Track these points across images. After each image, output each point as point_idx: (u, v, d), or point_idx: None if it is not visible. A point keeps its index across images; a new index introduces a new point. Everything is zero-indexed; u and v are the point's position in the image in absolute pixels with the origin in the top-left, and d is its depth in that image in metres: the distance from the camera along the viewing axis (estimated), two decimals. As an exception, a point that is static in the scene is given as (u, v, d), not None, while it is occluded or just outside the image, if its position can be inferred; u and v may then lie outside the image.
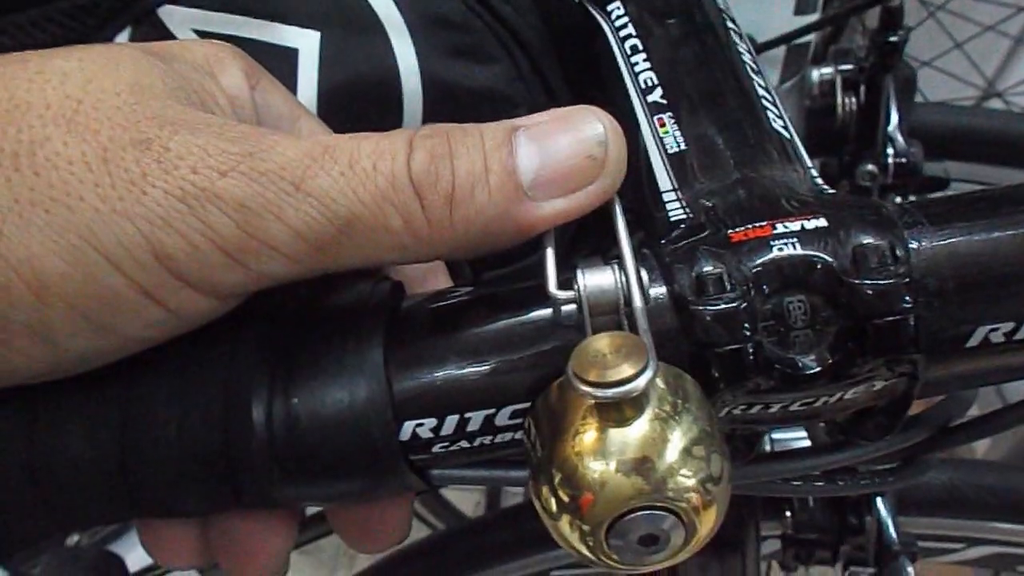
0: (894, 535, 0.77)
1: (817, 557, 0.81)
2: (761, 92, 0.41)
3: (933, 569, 0.87)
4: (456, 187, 0.31)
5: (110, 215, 0.29)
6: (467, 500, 1.98)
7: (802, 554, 0.81)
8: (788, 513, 0.79)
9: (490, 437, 0.33)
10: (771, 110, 0.40)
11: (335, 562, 1.96)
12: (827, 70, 0.88)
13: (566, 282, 0.32)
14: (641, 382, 0.28)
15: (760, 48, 0.81)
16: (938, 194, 0.93)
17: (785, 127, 0.39)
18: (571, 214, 0.33)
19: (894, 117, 0.87)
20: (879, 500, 0.77)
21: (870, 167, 0.87)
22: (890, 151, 0.87)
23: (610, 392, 0.28)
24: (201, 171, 0.30)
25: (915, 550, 0.77)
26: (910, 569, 0.76)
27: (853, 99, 0.86)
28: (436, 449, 0.33)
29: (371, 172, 0.31)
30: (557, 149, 0.32)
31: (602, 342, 0.29)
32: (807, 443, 0.62)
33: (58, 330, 0.30)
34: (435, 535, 0.97)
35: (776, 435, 0.66)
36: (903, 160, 0.87)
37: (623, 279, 0.32)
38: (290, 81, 0.47)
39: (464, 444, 0.33)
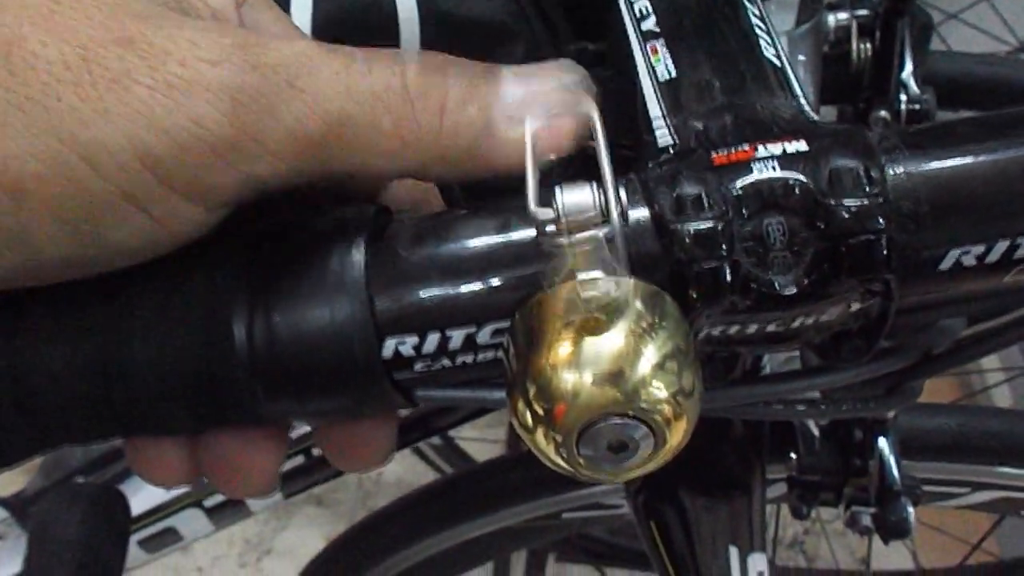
0: (896, 476, 0.77)
1: (821, 498, 0.81)
2: (755, 20, 0.41)
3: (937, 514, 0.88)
4: (448, 99, 0.32)
5: (91, 115, 0.28)
6: (488, 453, 1.99)
7: (807, 495, 0.81)
8: (794, 455, 0.80)
9: (472, 355, 0.34)
10: (763, 38, 0.40)
11: (352, 515, 1.97)
12: (843, 15, 0.87)
13: (548, 202, 0.32)
14: (617, 294, 0.29)
15: (774, -9, 0.81)
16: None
17: (777, 55, 0.39)
18: (551, 137, 0.33)
19: (908, 64, 0.86)
20: (883, 442, 0.78)
21: (883, 113, 0.86)
22: (903, 98, 0.86)
23: (584, 304, 0.29)
24: (190, 63, 0.29)
25: (917, 491, 0.78)
26: (910, 508, 0.76)
27: (868, 45, 0.85)
28: (418, 367, 0.34)
29: (366, 74, 0.31)
30: (541, 81, 0.34)
31: (579, 258, 0.30)
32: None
33: (36, 235, 0.29)
34: (445, 478, 0.98)
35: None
36: (916, 107, 0.86)
37: (602, 197, 0.32)
38: (284, 9, 0.47)
39: (446, 363, 0.34)
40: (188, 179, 0.30)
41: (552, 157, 0.34)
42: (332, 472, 0.89)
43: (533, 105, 0.33)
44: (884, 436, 0.77)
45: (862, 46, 0.87)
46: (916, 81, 0.87)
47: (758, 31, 0.40)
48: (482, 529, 0.90)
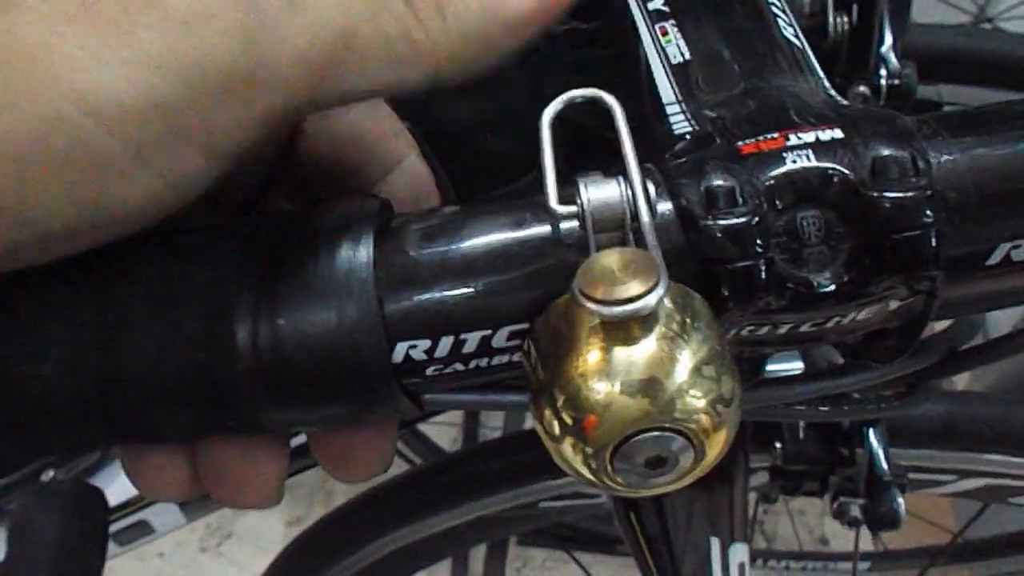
0: (885, 466, 0.77)
1: (805, 488, 0.81)
2: None
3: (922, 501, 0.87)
4: None
5: (91, 64, 0.26)
6: (445, 435, 2.00)
7: (789, 486, 0.80)
8: (778, 444, 0.79)
9: (486, 359, 0.32)
10: (781, 17, 0.38)
11: (312, 498, 1.97)
12: (820, -12, 0.86)
13: (568, 197, 0.30)
14: (651, 300, 0.26)
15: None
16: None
17: (796, 35, 0.38)
18: (551, 2, 0.31)
19: (887, 38, 0.85)
20: (871, 431, 0.77)
21: (862, 88, 0.85)
22: (883, 72, 0.85)
23: (618, 310, 0.27)
24: None
25: (905, 481, 0.77)
26: (900, 500, 0.76)
27: (845, 19, 0.84)
28: (430, 372, 0.32)
29: None
30: None
31: (610, 258, 0.28)
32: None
33: (36, 204, 0.27)
34: (415, 469, 0.97)
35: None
36: (896, 82, 0.86)
37: (629, 192, 0.30)
38: None
39: (459, 367, 0.32)
40: (199, 123, 0.28)
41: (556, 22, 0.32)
42: (306, 464, 0.87)
43: None
44: (872, 425, 0.77)
45: (839, 19, 0.85)
46: (896, 55, 0.86)
47: (774, 9, 0.39)
48: (456, 519, 0.89)
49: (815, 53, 0.87)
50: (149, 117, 0.27)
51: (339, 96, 0.30)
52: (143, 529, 0.94)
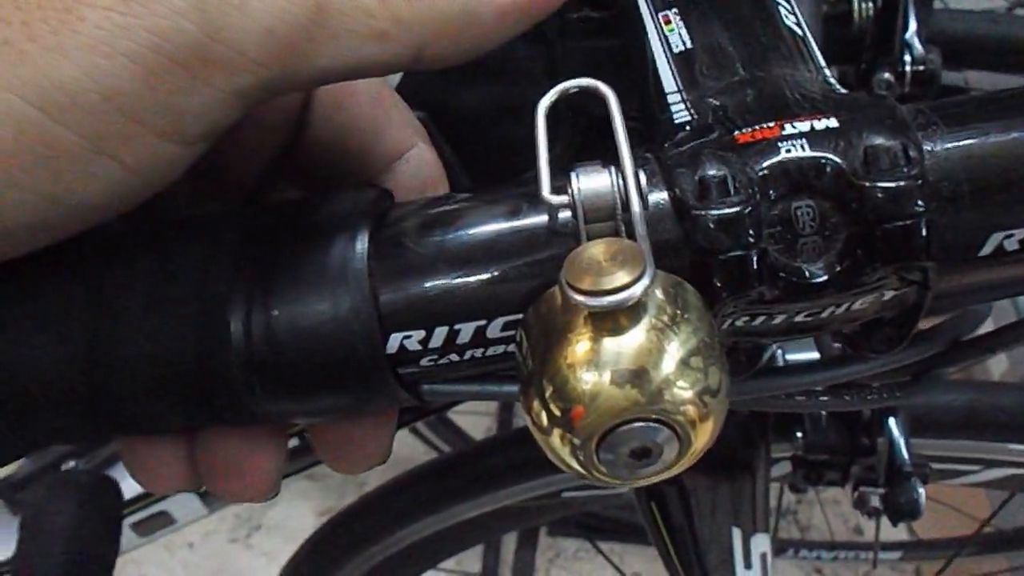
0: (906, 456, 0.76)
1: (827, 478, 0.80)
2: None
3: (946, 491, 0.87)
4: None
5: (43, 56, 0.25)
6: (478, 425, 2.00)
7: (812, 475, 0.80)
8: (799, 434, 0.78)
9: (481, 350, 0.32)
10: (783, 6, 0.38)
11: (343, 488, 1.98)
12: (843, -27, 0.86)
13: (562, 187, 0.30)
14: (637, 290, 0.26)
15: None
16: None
17: (798, 24, 0.38)
18: None
19: (912, 23, 0.84)
20: (891, 420, 0.76)
21: (887, 75, 0.85)
22: (907, 59, 0.85)
23: (605, 301, 0.26)
24: None
25: (927, 471, 0.77)
26: (921, 490, 0.75)
27: (870, 4, 0.84)
28: (425, 362, 0.32)
29: None
30: None
31: (596, 248, 0.28)
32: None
33: None
34: (442, 457, 0.97)
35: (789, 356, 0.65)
36: (921, 68, 0.85)
37: (620, 182, 0.30)
38: None
39: (454, 357, 0.32)
40: (160, 109, 0.26)
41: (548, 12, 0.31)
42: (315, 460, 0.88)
43: None
44: (893, 415, 0.76)
45: (864, 5, 0.85)
46: (920, 41, 0.86)
47: None
48: (480, 509, 0.89)
49: (839, 39, 0.87)
50: (102, 105, 0.26)
51: (316, 73, 0.29)
52: (164, 520, 0.94)
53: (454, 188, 0.41)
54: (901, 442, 0.76)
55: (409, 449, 1.77)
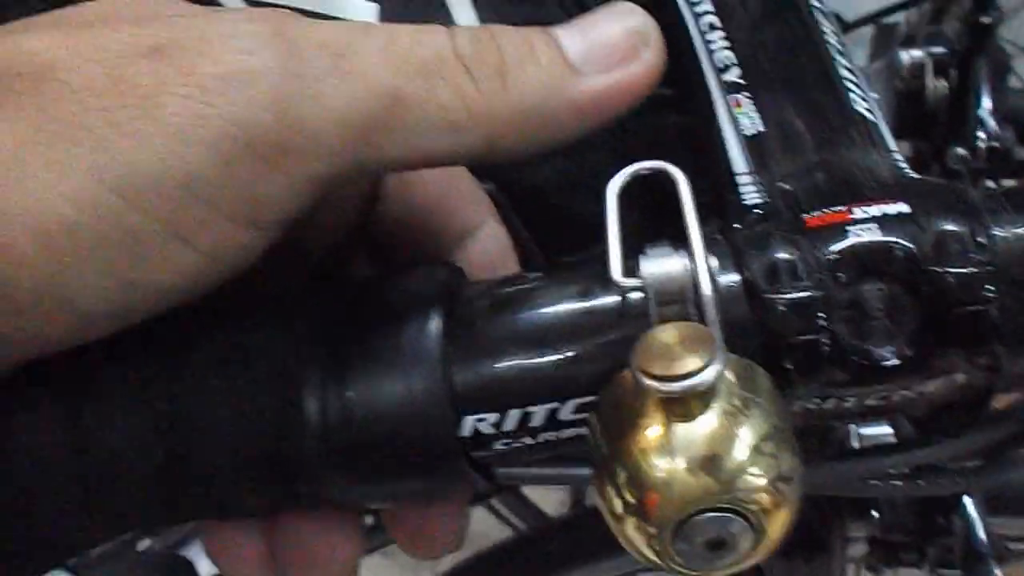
0: (983, 536, 0.74)
1: (904, 559, 0.78)
2: (844, 72, 0.39)
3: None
4: (505, 61, 0.29)
5: (122, 143, 0.25)
6: (549, 498, 1.97)
7: (889, 556, 0.78)
8: (875, 514, 0.77)
9: (554, 433, 0.32)
10: (854, 91, 0.38)
11: (418, 564, 1.95)
12: (917, 52, 0.86)
13: (632, 268, 0.30)
14: (708, 375, 0.26)
15: (847, 27, 0.80)
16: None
17: (869, 109, 0.38)
18: (623, 88, 0.30)
19: (986, 101, 0.84)
20: (967, 500, 0.75)
21: (961, 150, 0.84)
22: (981, 135, 0.85)
23: (676, 386, 0.26)
24: (225, 59, 0.26)
25: (1004, 552, 0.75)
26: (998, 572, 0.74)
27: (944, 82, 0.84)
28: (498, 446, 0.32)
29: (412, 47, 0.28)
30: (599, 28, 0.31)
31: (667, 333, 0.28)
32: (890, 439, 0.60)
33: (75, 290, 0.26)
34: (518, 535, 0.96)
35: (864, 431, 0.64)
36: (995, 144, 0.85)
37: (691, 265, 0.30)
38: None
39: (527, 440, 0.32)
40: (236, 196, 0.27)
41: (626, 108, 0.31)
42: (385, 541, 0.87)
43: (598, 54, 0.30)
44: (969, 494, 0.74)
45: (937, 83, 0.85)
46: (995, 118, 0.85)
47: (847, 83, 0.39)
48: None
49: (913, 115, 0.88)
50: (180, 192, 0.26)
51: (388, 162, 0.29)
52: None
53: (524, 261, 0.41)
54: (978, 522, 0.75)
55: (482, 525, 1.76)
